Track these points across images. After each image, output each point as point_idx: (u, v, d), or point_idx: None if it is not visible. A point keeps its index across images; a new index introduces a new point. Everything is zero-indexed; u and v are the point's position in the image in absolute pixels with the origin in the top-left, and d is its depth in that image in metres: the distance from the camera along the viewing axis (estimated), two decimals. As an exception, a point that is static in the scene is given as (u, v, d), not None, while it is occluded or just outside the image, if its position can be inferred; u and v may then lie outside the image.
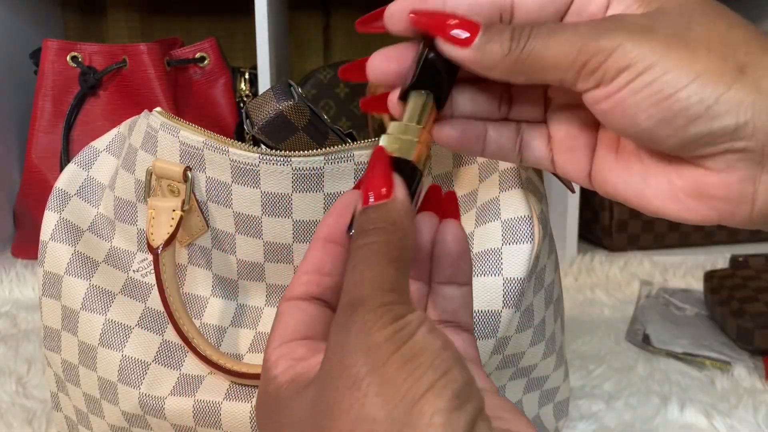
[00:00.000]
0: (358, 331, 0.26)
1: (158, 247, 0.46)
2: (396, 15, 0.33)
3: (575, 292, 0.87)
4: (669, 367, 0.67)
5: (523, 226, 0.44)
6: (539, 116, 0.37)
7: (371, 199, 0.29)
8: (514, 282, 0.43)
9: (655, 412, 0.59)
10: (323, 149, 0.45)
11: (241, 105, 1.06)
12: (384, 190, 0.29)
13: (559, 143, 0.36)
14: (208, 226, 0.48)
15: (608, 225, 1.03)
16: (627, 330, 0.75)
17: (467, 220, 0.46)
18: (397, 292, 0.27)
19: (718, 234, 1.05)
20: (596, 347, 0.71)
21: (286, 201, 0.45)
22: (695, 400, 0.60)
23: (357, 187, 0.31)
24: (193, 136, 0.46)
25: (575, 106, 0.35)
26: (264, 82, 0.95)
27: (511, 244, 0.44)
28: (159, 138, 0.47)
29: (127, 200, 0.50)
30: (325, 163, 0.44)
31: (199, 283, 0.50)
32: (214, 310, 0.49)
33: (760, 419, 0.57)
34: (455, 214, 0.34)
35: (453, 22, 0.32)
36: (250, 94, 1.06)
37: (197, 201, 0.47)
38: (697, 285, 0.87)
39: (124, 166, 0.50)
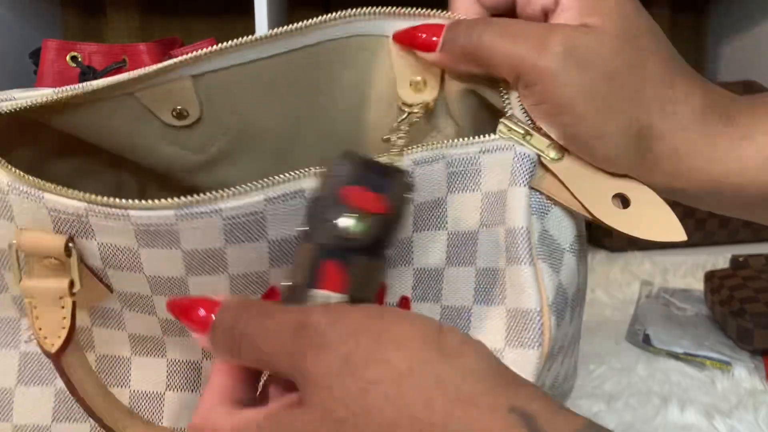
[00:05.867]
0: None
1: (56, 353, 0.35)
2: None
3: (575, 292, 0.87)
4: (669, 367, 0.67)
5: (531, 324, 0.36)
6: None
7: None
8: None
9: (656, 412, 0.58)
10: (261, 184, 0.33)
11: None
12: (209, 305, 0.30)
13: None
14: (112, 291, 0.37)
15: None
16: (627, 330, 0.75)
17: (465, 278, 0.39)
18: None
19: (718, 234, 1.05)
20: (596, 347, 0.71)
21: (218, 256, 0.35)
22: (696, 401, 0.60)
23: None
24: (66, 201, 0.33)
25: None
26: (264, 82, 0.94)
27: (516, 347, 0.37)
28: (12, 203, 0.34)
29: None
30: (266, 205, 0.33)
31: (114, 343, 0.39)
32: (142, 372, 0.40)
33: (760, 419, 0.57)
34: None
35: (422, 35, 0.38)
36: (250, 94, 1.05)
37: (91, 269, 0.35)
38: (697, 285, 0.87)
39: None
